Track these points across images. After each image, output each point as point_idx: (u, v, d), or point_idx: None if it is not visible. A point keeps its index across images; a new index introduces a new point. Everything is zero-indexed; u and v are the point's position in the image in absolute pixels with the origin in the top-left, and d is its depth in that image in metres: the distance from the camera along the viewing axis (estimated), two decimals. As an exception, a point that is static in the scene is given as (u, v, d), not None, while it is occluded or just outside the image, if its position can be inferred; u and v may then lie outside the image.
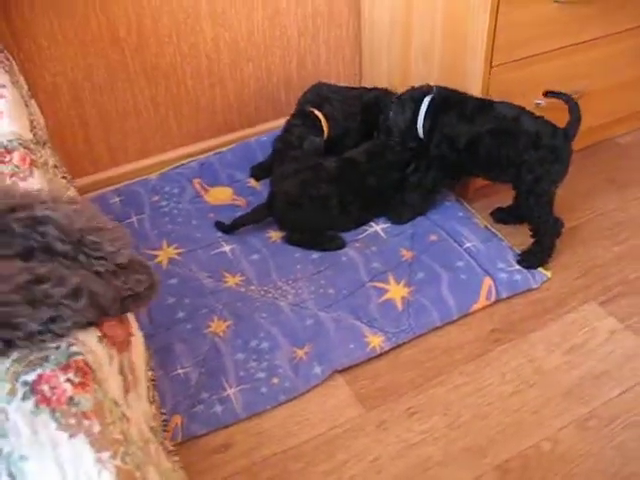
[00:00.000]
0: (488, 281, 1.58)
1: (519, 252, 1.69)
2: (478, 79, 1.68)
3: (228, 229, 1.75)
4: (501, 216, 1.82)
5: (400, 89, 1.92)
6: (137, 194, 1.89)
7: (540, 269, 1.65)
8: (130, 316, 1.03)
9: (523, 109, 1.64)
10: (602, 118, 2.04)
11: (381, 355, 1.46)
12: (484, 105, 1.65)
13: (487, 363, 1.45)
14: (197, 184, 1.92)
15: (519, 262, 1.66)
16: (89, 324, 0.80)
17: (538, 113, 1.71)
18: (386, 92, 1.96)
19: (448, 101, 1.68)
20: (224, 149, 2.02)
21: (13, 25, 1.63)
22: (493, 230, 1.76)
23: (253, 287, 1.61)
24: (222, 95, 2.00)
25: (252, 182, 1.95)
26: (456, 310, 1.53)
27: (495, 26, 1.60)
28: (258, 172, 1.94)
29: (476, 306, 1.55)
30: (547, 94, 1.64)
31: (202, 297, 1.58)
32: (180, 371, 1.41)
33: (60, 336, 0.76)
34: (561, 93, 1.63)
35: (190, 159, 2.00)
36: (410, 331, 1.49)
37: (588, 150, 2.11)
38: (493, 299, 1.57)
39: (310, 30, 2.02)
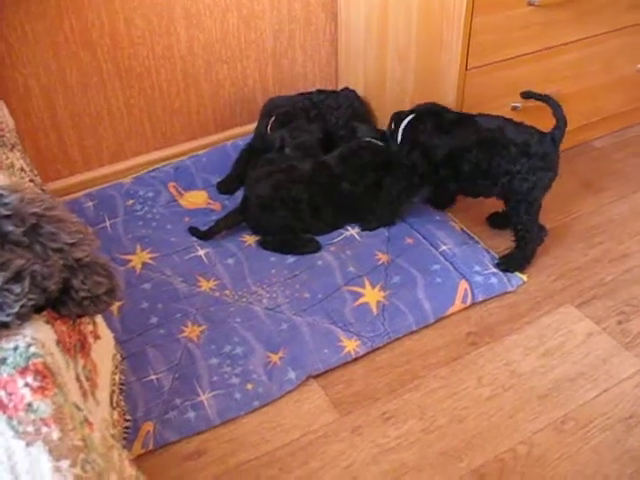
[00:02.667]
0: (464, 284, 1.58)
1: (496, 255, 1.69)
2: (453, 82, 1.68)
3: (204, 236, 1.73)
4: (497, 221, 1.81)
5: (377, 92, 1.93)
6: (111, 198, 1.87)
7: (516, 272, 1.64)
8: (98, 318, 1.01)
9: (505, 118, 1.62)
10: (577, 122, 2.05)
11: (356, 360, 1.44)
12: (464, 118, 1.62)
13: (463, 367, 1.44)
14: (172, 188, 1.90)
15: (498, 265, 1.66)
16: (35, 310, 0.77)
17: (515, 116, 1.71)
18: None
19: (428, 112, 1.66)
20: (199, 152, 2.00)
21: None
22: (469, 233, 1.76)
23: (227, 291, 1.59)
24: (197, 98, 1.98)
25: (227, 186, 1.93)
26: (432, 314, 1.52)
27: (470, 30, 1.60)
28: (224, 186, 1.91)
29: (452, 309, 1.54)
30: (525, 95, 1.62)
31: (176, 302, 1.56)
32: (153, 377, 1.39)
33: (6, 325, 0.73)
34: (541, 95, 1.61)
35: (165, 163, 1.98)
36: (385, 335, 1.47)
37: (564, 154, 2.08)
38: (469, 302, 1.56)
39: (286, 33, 2.01)
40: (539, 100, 1.61)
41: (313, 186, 1.72)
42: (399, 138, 1.68)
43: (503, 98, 1.78)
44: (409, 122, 1.66)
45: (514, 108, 1.81)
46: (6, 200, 0.80)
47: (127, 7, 1.75)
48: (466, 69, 1.66)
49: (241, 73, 2.01)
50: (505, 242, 1.74)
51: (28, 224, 0.79)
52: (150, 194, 1.88)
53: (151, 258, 1.68)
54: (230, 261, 1.68)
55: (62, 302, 0.81)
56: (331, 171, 1.76)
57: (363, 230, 1.76)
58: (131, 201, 1.86)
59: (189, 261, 1.68)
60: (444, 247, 1.69)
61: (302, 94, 1.93)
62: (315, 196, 1.72)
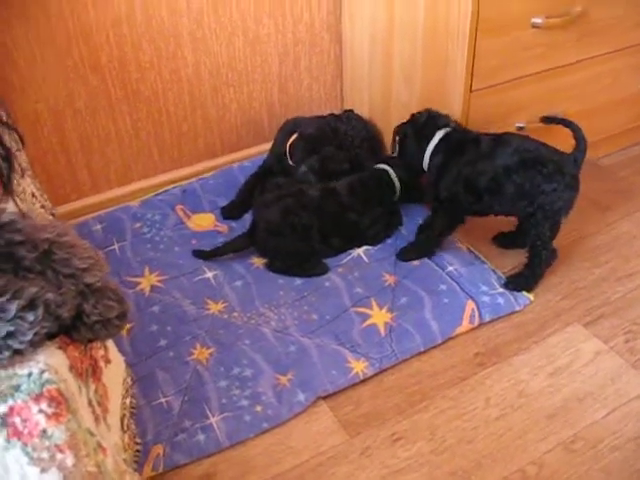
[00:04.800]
0: (471, 304, 1.58)
1: (502, 275, 1.69)
2: (458, 103, 1.69)
3: (207, 256, 1.74)
4: (504, 241, 1.81)
5: (382, 113, 1.94)
6: (119, 221, 1.88)
7: (523, 292, 1.65)
8: (109, 342, 1.02)
9: (534, 139, 1.62)
10: (582, 140, 2.06)
11: (365, 381, 1.45)
12: (499, 139, 1.61)
13: (471, 387, 1.44)
14: (179, 210, 1.92)
15: (506, 285, 1.66)
16: (48, 337, 0.78)
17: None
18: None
19: (463, 140, 1.64)
20: (206, 175, 2.02)
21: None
22: (476, 253, 1.76)
23: (236, 314, 1.60)
24: (204, 121, 2.00)
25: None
26: (439, 334, 1.53)
27: (474, 52, 1.62)
28: (228, 212, 1.92)
29: (459, 330, 1.55)
30: (546, 121, 1.63)
31: (185, 324, 1.57)
32: (162, 400, 1.39)
33: (20, 352, 0.74)
34: (561, 119, 1.62)
35: (172, 185, 1.99)
36: (393, 356, 1.48)
37: (569, 172, 2.12)
38: (476, 323, 1.57)
39: (291, 56, 2.03)
40: (560, 124, 1.62)
41: (322, 213, 1.73)
42: (428, 155, 1.67)
43: (508, 118, 1.80)
44: (443, 147, 1.65)
45: (519, 128, 1.82)
46: (19, 226, 0.81)
47: (135, 32, 1.78)
48: (471, 90, 1.68)
49: (247, 96, 2.03)
50: (511, 262, 1.75)
51: (40, 250, 0.81)
52: (158, 217, 1.90)
53: (159, 281, 1.69)
54: (238, 283, 1.68)
55: (74, 327, 0.82)
56: (340, 199, 1.77)
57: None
58: (139, 224, 1.88)
59: (197, 283, 1.68)
60: (450, 267, 1.69)
61: (319, 117, 1.95)
62: (324, 223, 1.73)
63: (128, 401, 1.05)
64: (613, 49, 1.89)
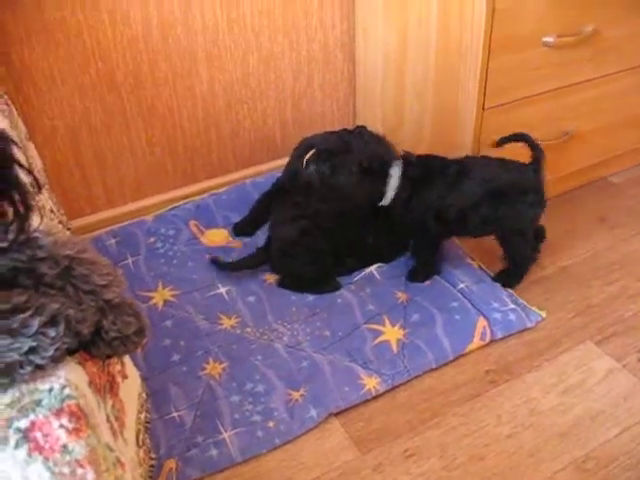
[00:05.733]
0: (482, 321, 1.59)
1: (513, 292, 1.70)
2: (470, 121, 1.70)
3: (224, 267, 1.75)
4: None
5: (394, 130, 1.95)
6: (133, 235, 1.90)
7: (534, 309, 1.65)
8: (126, 357, 1.03)
9: (495, 159, 1.65)
10: (594, 158, 2.07)
11: (377, 397, 1.45)
12: (463, 168, 1.62)
13: (483, 404, 1.44)
14: (193, 226, 1.93)
15: (495, 279, 1.72)
16: (68, 352, 0.79)
17: (526, 155, 1.74)
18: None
19: (427, 171, 1.64)
20: (219, 191, 2.03)
21: (13, 69, 1.65)
22: (486, 270, 1.77)
23: (249, 329, 1.61)
24: (217, 137, 2.02)
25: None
26: (451, 351, 1.53)
27: (487, 70, 1.63)
28: (240, 229, 1.93)
29: (471, 347, 1.55)
30: (499, 143, 1.65)
31: (197, 339, 1.58)
32: (175, 414, 1.40)
33: (42, 367, 0.75)
34: (511, 135, 1.64)
35: (186, 200, 2.01)
36: (405, 373, 1.48)
37: (581, 190, 2.14)
38: (488, 339, 1.57)
39: (305, 74, 2.05)
40: (515, 141, 1.64)
41: (338, 236, 1.73)
42: (390, 194, 1.65)
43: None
44: (407, 179, 1.64)
45: (529, 146, 1.83)
46: (41, 243, 0.82)
47: (151, 50, 1.80)
48: (483, 109, 1.69)
49: (261, 113, 2.05)
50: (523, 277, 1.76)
51: (61, 266, 0.82)
52: (171, 232, 1.91)
53: (173, 295, 1.71)
54: (251, 299, 1.69)
55: (93, 343, 0.83)
56: (357, 223, 1.76)
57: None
58: (153, 239, 1.89)
59: (210, 298, 1.70)
60: (462, 285, 1.70)
61: (332, 132, 1.95)
62: (338, 246, 1.73)
63: (143, 416, 1.06)
64: (625, 68, 1.90)
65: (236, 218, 1.95)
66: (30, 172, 0.78)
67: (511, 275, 1.73)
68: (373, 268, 1.77)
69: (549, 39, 1.68)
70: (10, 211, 0.77)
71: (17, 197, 0.76)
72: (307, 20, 1.98)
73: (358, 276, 1.76)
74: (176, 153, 1.99)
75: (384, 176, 1.62)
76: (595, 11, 1.73)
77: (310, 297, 1.70)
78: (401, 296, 1.69)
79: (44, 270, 0.81)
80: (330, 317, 1.63)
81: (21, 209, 0.77)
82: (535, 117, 1.80)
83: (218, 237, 1.91)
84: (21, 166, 0.76)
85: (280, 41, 1.96)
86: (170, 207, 1.99)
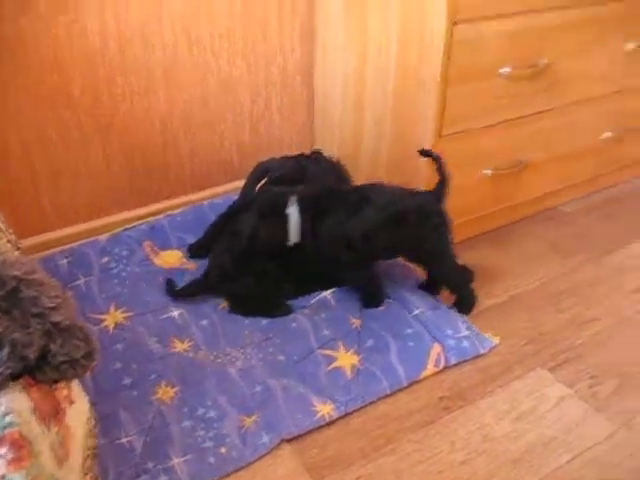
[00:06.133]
0: (437, 348, 1.59)
1: (467, 319, 1.71)
2: (427, 148, 1.71)
3: (171, 294, 1.73)
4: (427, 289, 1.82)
5: (352, 156, 1.96)
6: (86, 256, 1.86)
7: (488, 335, 1.66)
8: (74, 381, 1.00)
9: (396, 186, 1.67)
10: (547, 187, 2.11)
11: (330, 424, 1.44)
12: (363, 196, 1.64)
13: (437, 431, 1.44)
14: (147, 247, 1.90)
15: (458, 308, 1.74)
16: (12, 377, 0.76)
17: (486, 183, 1.77)
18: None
19: (327, 202, 1.65)
20: (175, 212, 2.01)
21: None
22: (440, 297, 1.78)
23: (201, 353, 1.59)
24: (175, 157, 2.01)
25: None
26: (405, 378, 1.53)
27: (444, 99, 1.65)
28: (194, 251, 1.91)
29: (425, 373, 1.55)
30: (422, 153, 1.66)
31: (149, 363, 1.55)
32: (124, 440, 1.36)
33: None
34: (426, 150, 1.65)
35: (141, 221, 1.98)
36: (359, 399, 1.47)
37: (533, 218, 2.17)
38: (442, 366, 1.57)
39: (263, 97, 2.05)
40: (432, 158, 1.65)
41: (276, 260, 1.71)
42: (294, 232, 1.65)
43: (476, 164, 1.83)
44: (308, 213, 1.64)
45: (485, 175, 1.85)
46: None
47: (108, 65, 1.78)
48: (440, 136, 1.71)
49: (219, 135, 2.04)
50: (477, 305, 1.77)
51: (8, 288, 0.79)
52: (125, 252, 1.88)
53: (125, 318, 1.67)
54: (204, 322, 1.67)
55: (39, 368, 0.81)
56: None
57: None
58: (106, 259, 1.86)
59: (163, 321, 1.67)
60: (417, 311, 1.70)
61: (287, 157, 1.96)
62: (278, 270, 1.72)
63: (91, 442, 1.03)
64: (578, 100, 1.95)
65: (191, 239, 1.93)
66: None
67: (460, 303, 1.75)
68: (327, 293, 1.77)
69: (505, 71, 1.71)
70: None
71: None
72: (266, 43, 1.98)
73: (313, 300, 1.75)
74: (133, 173, 1.97)
75: (283, 218, 1.63)
76: (550, 45, 1.78)
77: (264, 321, 1.68)
78: (355, 322, 1.68)
79: None
80: (284, 342, 1.62)
81: None
82: (490, 146, 1.83)
83: (172, 258, 1.88)
84: None
85: (239, 64, 1.97)
86: (124, 227, 1.96)
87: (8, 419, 0.70)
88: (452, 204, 1.84)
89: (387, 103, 1.81)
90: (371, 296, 1.74)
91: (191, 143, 2.01)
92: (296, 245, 1.66)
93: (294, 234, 1.64)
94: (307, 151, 2.04)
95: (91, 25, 1.72)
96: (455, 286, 1.75)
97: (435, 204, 1.65)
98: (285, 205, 1.63)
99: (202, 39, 1.88)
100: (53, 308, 0.82)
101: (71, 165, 1.87)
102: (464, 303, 1.75)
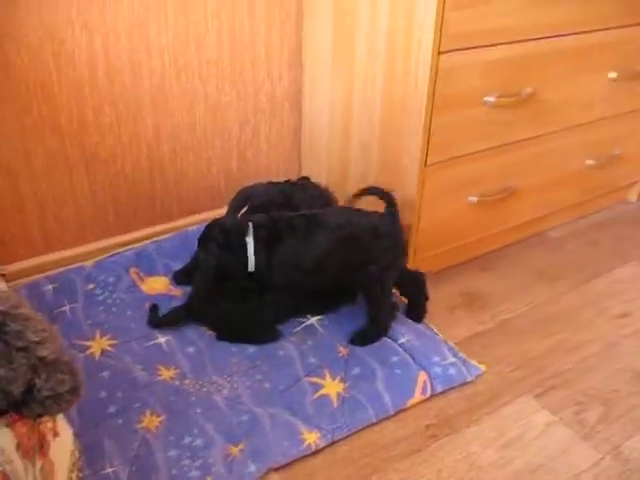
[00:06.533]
0: (423, 376, 1.59)
1: (453, 345, 1.71)
2: (413, 177, 1.73)
3: (154, 323, 1.72)
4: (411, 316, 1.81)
5: (339, 183, 1.97)
6: (71, 282, 1.85)
7: (474, 362, 1.66)
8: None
9: (350, 209, 1.69)
10: (533, 213, 2.12)
11: (317, 452, 1.43)
12: (312, 220, 1.65)
13: (423, 459, 1.44)
14: (133, 273, 1.90)
15: (352, 341, 1.70)
16: None
17: (472, 210, 1.78)
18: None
19: (277, 231, 1.65)
20: (161, 238, 2.01)
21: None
22: (428, 324, 1.78)
23: (188, 381, 1.58)
24: (161, 184, 2.01)
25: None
26: (392, 406, 1.53)
27: (430, 127, 1.66)
28: (181, 277, 1.90)
29: (412, 401, 1.55)
30: (356, 196, 1.69)
31: (135, 391, 1.54)
32: (109, 470, 1.35)
33: None
34: (367, 188, 1.68)
35: (127, 247, 1.98)
36: (345, 427, 1.47)
37: (521, 244, 2.18)
38: (429, 394, 1.57)
39: (251, 124, 2.06)
40: (369, 194, 1.67)
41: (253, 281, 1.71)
42: (251, 260, 1.64)
43: (461, 191, 1.85)
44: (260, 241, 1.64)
45: (471, 202, 1.86)
46: None
47: (96, 95, 1.79)
48: (426, 164, 1.72)
49: (206, 161, 2.05)
50: (463, 332, 1.78)
51: None
52: (111, 279, 1.88)
53: (110, 345, 1.66)
54: (191, 349, 1.67)
55: (24, 402, 0.80)
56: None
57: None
58: (92, 285, 1.85)
59: (149, 349, 1.66)
60: (403, 339, 1.70)
61: (273, 183, 1.96)
62: (256, 290, 1.71)
63: (75, 475, 1.02)
64: (562, 127, 1.97)
65: (177, 266, 1.93)
66: None
67: (368, 334, 1.71)
68: (314, 320, 1.77)
69: (490, 99, 1.73)
70: None
71: None
72: (255, 71, 2.00)
73: (299, 327, 1.75)
74: (119, 199, 1.96)
75: (242, 246, 1.63)
76: (534, 74, 1.80)
77: (251, 349, 1.67)
78: (342, 350, 1.68)
79: None
80: (271, 369, 1.61)
81: None
82: (477, 173, 1.84)
83: (159, 285, 1.88)
84: None
85: (227, 91, 1.98)
86: (110, 254, 1.96)
87: (-10, 457, 0.69)
88: (439, 231, 1.87)
89: (374, 132, 1.82)
90: (369, 333, 1.72)
91: (178, 169, 2.01)
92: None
93: (251, 262, 1.64)
94: (294, 178, 2.05)
95: (80, 54, 1.72)
96: (379, 316, 1.71)
97: (387, 225, 1.65)
98: (245, 233, 1.63)
99: (190, 66, 1.89)
100: (38, 342, 0.81)
101: (57, 192, 1.86)
102: (372, 335, 1.71)
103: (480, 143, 1.80)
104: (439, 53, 1.59)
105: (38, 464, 0.82)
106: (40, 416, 0.84)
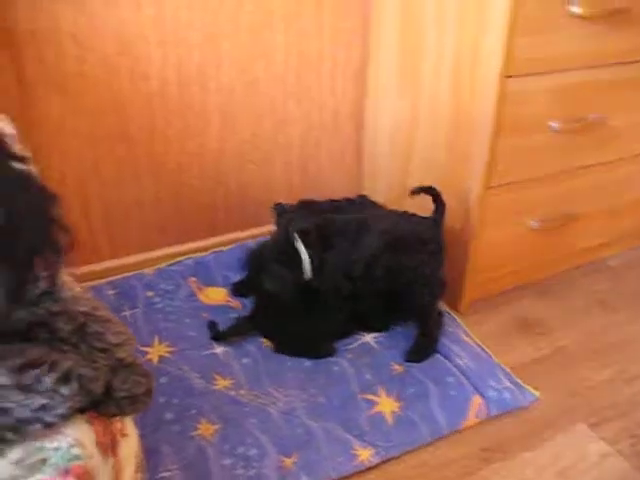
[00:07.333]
0: (478, 399, 1.58)
1: (508, 370, 1.70)
2: (475, 198, 1.73)
3: (217, 337, 1.74)
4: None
5: (398, 202, 1.98)
6: (132, 288, 1.89)
7: (530, 388, 1.65)
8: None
9: (396, 212, 1.74)
10: (593, 240, 2.10)
11: (369, 469, 1.43)
12: (361, 224, 1.68)
13: (476, 483, 1.43)
14: (192, 282, 1.93)
15: (409, 358, 1.70)
16: (79, 410, 0.78)
17: (532, 235, 1.76)
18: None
19: (327, 234, 1.67)
20: (221, 249, 2.04)
21: (27, 117, 1.68)
22: (483, 347, 1.77)
23: (243, 391, 1.60)
24: (224, 195, 2.04)
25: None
26: (446, 427, 1.52)
27: (494, 150, 1.66)
28: (238, 289, 1.93)
29: (466, 423, 1.54)
30: (413, 192, 1.71)
31: (191, 398, 1.56)
32: (165, 474, 1.37)
33: (50, 425, 0.74)
34: (422, 187, 1.71)
35: (187, 256, 2.02)
36: (399, 446, 1.47)
37: (579, 270, 2.16)
38: (483, 417, 1.56)
39: (314, 139, 2.09)
40: (422, 192, 1.71)
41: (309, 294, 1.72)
42: (307, 267, 1.66)
43: (522, 216, 1.84)
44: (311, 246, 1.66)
45: (532, 226, 1.85)
46: (57, 297, 0.83)
47: (166, 106, 1.84)
48: (488, 187, 1.72)
49: (269, 174, 2.08)
50: (519, 357, 1.77)
51: (77, 323, 0.82)
52: (170, 287, 1.91)
53: (168, 352, 1.70)
54: (247, 360, 1.69)
55: (101, 402, 0.83)
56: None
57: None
58: (151, 293, 1.89)
59: (206, 357, 1.69)
60: (459, 360, 1.69)
61: (332, 200, 1.98)
62: (313, 304, 1.73)
63: (139, 476, 1.04)
64: (627, 155, 1.95)
65: (236, 277, 1.96)
66: (68, 231, 0.79)
67: (422, 346, 1.71)
68: (369, 337, 1.78)
69: (555, 124, 1.72)
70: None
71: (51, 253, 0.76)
72: (320, 87, 2.02)
73: (354, 344, 1.76)
74: (182, 209, 2.01)
75: (296, 255, 1.66)
76: (601, 100, 1.79)
77: (306, 363, 1.69)
78: (397, 368, 1.68)
79: (59, 325, 0.81)
80: (326, 384, 1.62)
81: (53, 262, 0.77)
82: (540, 198, 1.83)
83: (217, 296, 1.91)
84: (62, 226, 0.77)
85: (292, 106, 2.01)
86: (171, 262, 1.99)
87: (74, 451, 0.72)
88: (497, 254, 1.86)
89: (436, 151, 1.83)
90: (422, 346, 1.73)
91: (241, 182, 2.05)
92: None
93: (307, 269, 1.66)
94: (354, 194, 2.07)
95: (152, 68, 1.77)
96: (429, 323, 1.73)
97: (432, 230, 1.68)
98: (294, 241, 1.66)
99: (258, 81, 1.92)
100: (118, 344, 0.84)
101: (123, 200, 1.92)
102: (427, 348, 1.72)
103: (544, 168, 1.79)
104: (506, 77, 1.59)
105: (110, 462, 0.84)
106: (114, 416, 0.87)
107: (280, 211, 1.83)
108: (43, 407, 0.73)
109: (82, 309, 0.83)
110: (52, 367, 0.75)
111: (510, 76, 1.59)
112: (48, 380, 0.73)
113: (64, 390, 0.74)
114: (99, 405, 0.83)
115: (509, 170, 1.73)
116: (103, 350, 0.83)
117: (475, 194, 1.72)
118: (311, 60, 1.98)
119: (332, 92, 2.05)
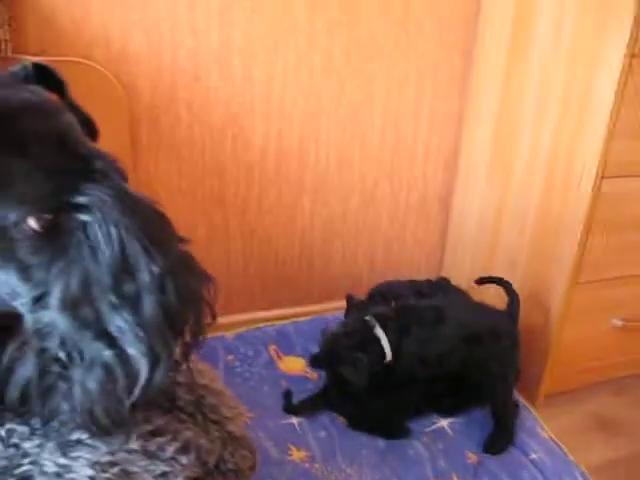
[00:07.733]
0: (553, 496, 1.56)
1: (585, 470, 1.66)
2: (561, 293, 1.74)
3: (289, 410, 1.75)
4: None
5: (480, 290, 1.99)
6: (213, 350, 1.93)
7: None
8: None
9: (472, 303, 1.75)
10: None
11: None
12: (439, 314, 1.68)
13: None
14: (272, 350, 1.97)
15: (487, 449, 1.67)
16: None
17: (614, 333, 1.75)
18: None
19: (406, 320, 1.69)
20: (301, 319, 2.08)
21: (138, 179, 1.77)
22: (558, 443, 1.74)
23: (317, 465, 1.60)
24: (308, 267, 2.10)
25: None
26: (521, 523, 1.50)
27: (584, 246, 1.67)
28: (315, 362, 1.90)
29: (541, 521, 1.52)
30: (480, 282, 1.74)
31: (266, 466, 1.57)
32: (237, 542, 1.39)
33: None
34: (492, 277, 1.73)
35: (267, 324, 2.06)
36: (473, 538, 1.45)
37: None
38: (558, 515, 1.54)
39: (400, 219, 2.14)
40: (492, 283, 1.73)
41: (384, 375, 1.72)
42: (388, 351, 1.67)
43: (606, 313, 1.83)
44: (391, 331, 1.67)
45: (615, 325, 1.84)
46: (184, 367, 0.86)
47: (264, 177, 1.92)
48: (576, 283, 1.72)
49: (353, 250, 2.13)
50: (597, 456, 1.74)
51: (196, 394, 0.86)
52: (250, 352, 1.95)
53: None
54: (322, 434, 1.70)
55: (210, 473, 0.86)
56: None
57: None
58: (231, 356, 1.93)
59: (282, 427, 1.70)
60: (534, 455, 1.67)
61: (412, 281, 2.00)
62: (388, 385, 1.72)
63: None
64: None
65: (314, 349, 1.98)
66: (213, 312, 0.82)
67: (500, 437, 1.70)
68: (445, 423, 1.77)
69: (647, 229, 1.73)
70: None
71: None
72: (411, 169, 2.08)
73: (430, 427, 1.75)
74: (266, 276, 2.06)
75: (376, 340, 1.66)
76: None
77: (381, 442, 1.69)
78: (472, 457, 1.67)
79: (180, 394, 0.85)
80: (399, 466, 1.61)
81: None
82: (626, 297, 1.82)
83: (295, 365, 1.93)
84: (209, 307, 0.80)
85: (382, 186, 2.06)
86: (251, 328, 2.03)
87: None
88: (578, 350, 1.85)
89: (523, 243, 1.85)
90: (498, 438, 1.71)
91: (326, 254, 2.10)
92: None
93: (388, 353, 1.67)
94: (434, 277, 2.09)
95: (255, 139, 1.86)
96: (504, 415, 1.71)
97: (507, 325, 1.68)
98: (372, 328, 1.67)
99: (352, 160, 1.99)
100: (230, 418, 0.88)
101: (212, 262, 1.96)
102: (504, 438, 1.70)
103: (632, 267, 1.79)
104: (602, 177, 1.61)
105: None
106: (222, 490, 0.90)
107: (351, 303, 1.88)
108: (164, 474, 0.76)
109: (202, 382, 0.87)
110: (174, 436, 0.78)
111: (606, 177, 1.61)
112: (170, 449, 0.77)
113: (183, 460, 0.77)
114: (207, 476, 0.86)
115: (598, 267, 1.74)
116: (216, 422, 0.86)
117: (561, 288, 1.73)
118: (406, 143, 2.04)
119: (423, 175, 2.11)
